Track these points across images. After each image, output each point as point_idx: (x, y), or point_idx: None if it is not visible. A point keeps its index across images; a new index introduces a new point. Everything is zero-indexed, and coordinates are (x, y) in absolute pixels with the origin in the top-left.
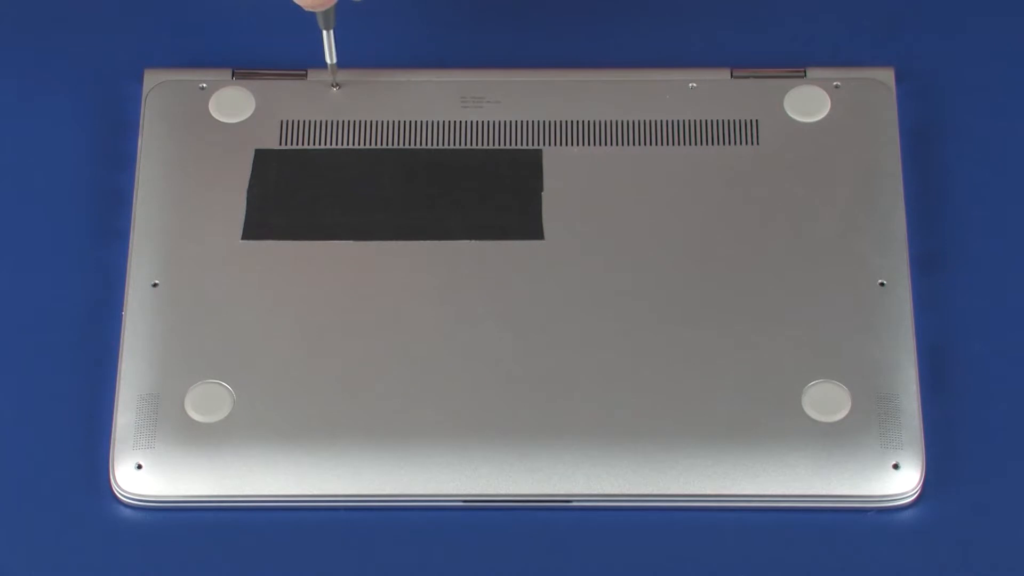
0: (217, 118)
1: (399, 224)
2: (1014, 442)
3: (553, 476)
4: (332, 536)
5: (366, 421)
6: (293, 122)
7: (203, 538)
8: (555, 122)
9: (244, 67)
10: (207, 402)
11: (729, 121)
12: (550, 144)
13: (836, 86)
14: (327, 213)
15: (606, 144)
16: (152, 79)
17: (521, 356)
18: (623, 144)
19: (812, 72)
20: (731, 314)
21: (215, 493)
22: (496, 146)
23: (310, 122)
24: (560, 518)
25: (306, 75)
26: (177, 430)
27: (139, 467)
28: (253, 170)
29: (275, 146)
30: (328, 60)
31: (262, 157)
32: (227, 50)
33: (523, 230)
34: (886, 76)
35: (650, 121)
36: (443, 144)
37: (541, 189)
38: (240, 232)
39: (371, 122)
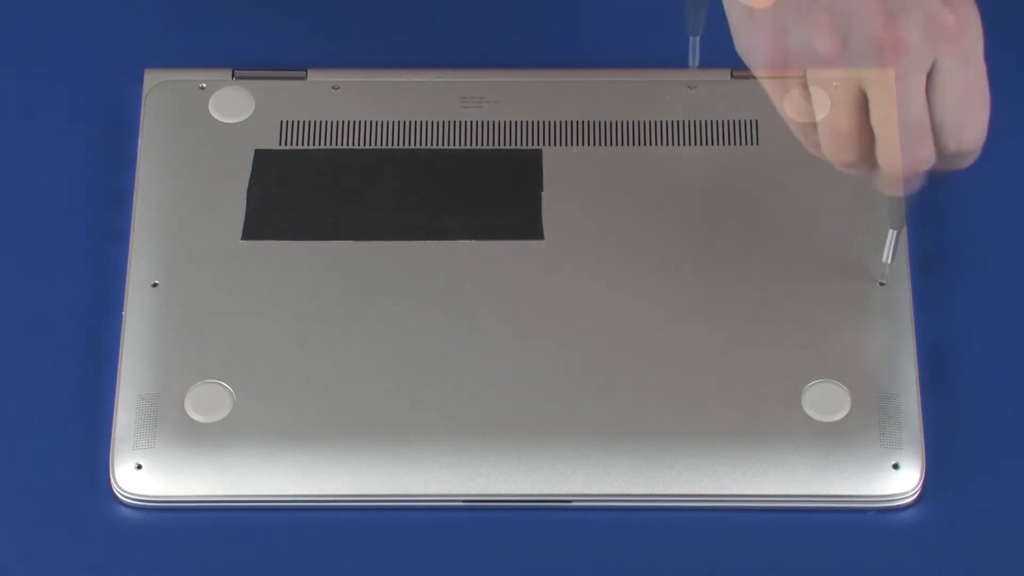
0: (217, 118)
1: (399, 224)
2: (1014, 442)
3: (553, 476)
4: (332, 536)
5: (366, 421)
6: (293, 122)
7: (203, 538)
8: (555, 122)
9: (244, 67)
10: (207, 402)
11: (729, 121)
12: (550, 144)
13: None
14: (327, 213)
15: (606, 144)
16: (152, 79)
17: (521, 356)
18: (623, 144)
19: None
20: (731, 314)
21: (215, 493)
22: (496, 146)
23: (310, 122)
24: (560, 518)
25: (306, 75)
26: (177, 430)
27: (139, 467)
28: (253, 170)
29: (275, 146)
30: (691, 64)
31: (262, 157)
32: (227, 50)
33: (523, 230)
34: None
35: (650, 121)
36: (443, 144)
37: (541, 189)
38: (240, 232)
39: (371, 122)
